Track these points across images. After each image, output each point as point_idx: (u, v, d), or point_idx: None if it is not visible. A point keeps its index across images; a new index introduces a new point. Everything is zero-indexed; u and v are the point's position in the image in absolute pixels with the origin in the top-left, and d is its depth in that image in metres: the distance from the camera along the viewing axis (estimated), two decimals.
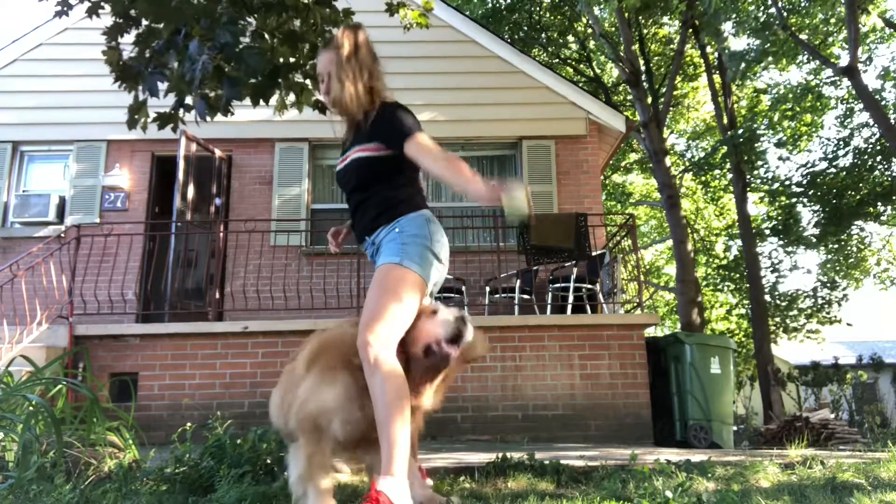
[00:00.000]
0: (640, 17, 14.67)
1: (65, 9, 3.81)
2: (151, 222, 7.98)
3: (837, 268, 16.57)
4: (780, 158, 20.12)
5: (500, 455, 3.17)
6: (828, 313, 15.70)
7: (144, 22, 3.72)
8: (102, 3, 3.78)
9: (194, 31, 3.35)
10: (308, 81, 4.42)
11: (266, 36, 4.08)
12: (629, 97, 15.82)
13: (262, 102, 4.26)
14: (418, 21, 4.79)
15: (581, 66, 17.36)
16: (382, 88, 2.41)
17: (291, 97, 4.45)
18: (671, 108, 16.37)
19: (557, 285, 7.11)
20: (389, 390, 2.00)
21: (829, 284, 16.22)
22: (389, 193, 2.32)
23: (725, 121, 14.60)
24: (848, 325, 15.81)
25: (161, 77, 3.58)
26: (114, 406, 3.69)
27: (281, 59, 4.14)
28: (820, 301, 16.00)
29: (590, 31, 16.08)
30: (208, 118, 4.02)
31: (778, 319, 15.98)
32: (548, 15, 16.37)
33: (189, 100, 3.89)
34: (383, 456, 1.99)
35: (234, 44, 3.23)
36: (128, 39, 3.83)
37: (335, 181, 2.67)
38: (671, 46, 15.96)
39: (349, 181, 2.42)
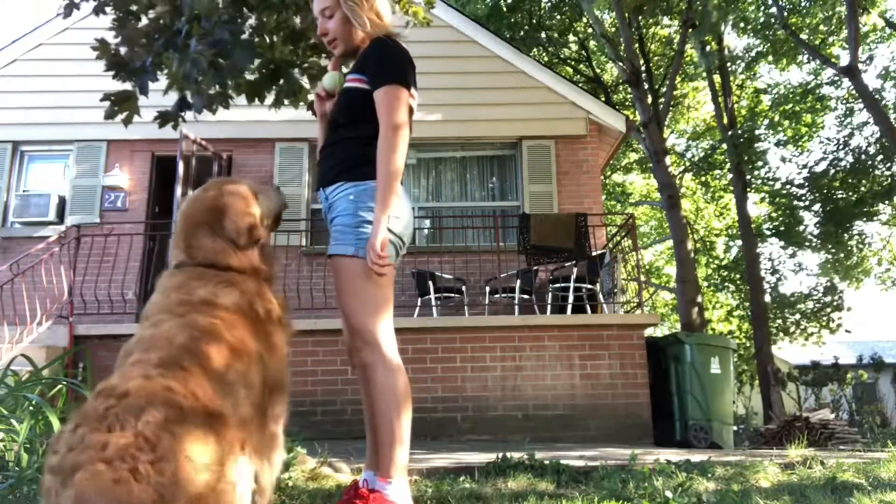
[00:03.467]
0: (640, 18, 14.66)
1: (71, 9, 3.81)
2: (151, 222, 7.98)
3: (838, 268, 16.57)
4: (781, 159, 20.11)
5: (500, 455, 3.17)
6: (830, 320, 15.68)
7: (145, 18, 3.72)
8: (108, 1, 3.78)
9: (194, 29, 3.34)
10: (305, 79, 4.42)
11: (265, 34, 4.07)
12: (629, 97, 15.82)
13: (258, 101, 4.26)
14: (420, 14, 4.78)
15: (581, 66, 17.35)
16: (384, 20, 2.16)
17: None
18: (671, 108, 16.36)
19: (557, 285, 7.11)
20: (399, 386, 1.95)
21: (829, 290, 16.19)
22: (359, 148, 2.05)
23: (725, 121, 14.60)
24: (847, 331, 15.80)
25: (153, 77, 3.56)
26: None
27: (278, 57, 4.13)
28: (820, 305, 15.99)
29: (590, 31, 16.09)
30: (208, 113, 4.03)
31: (779, 322, 15.97)
32: (548, 15, 16.37)
33: (189, 97, 3.88)
34: (384, 456, 1.93)
35: (232, 42, 3.22)
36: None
37: None
38: (671, 46, 15.95)
39: (337, 118, 2.16)
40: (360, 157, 2.03)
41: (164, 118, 3.94)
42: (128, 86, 3.70)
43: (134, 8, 3.66)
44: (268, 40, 4.10)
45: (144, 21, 3.77)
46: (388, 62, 2.05)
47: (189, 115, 4.10)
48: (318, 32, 2.22)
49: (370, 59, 2.08)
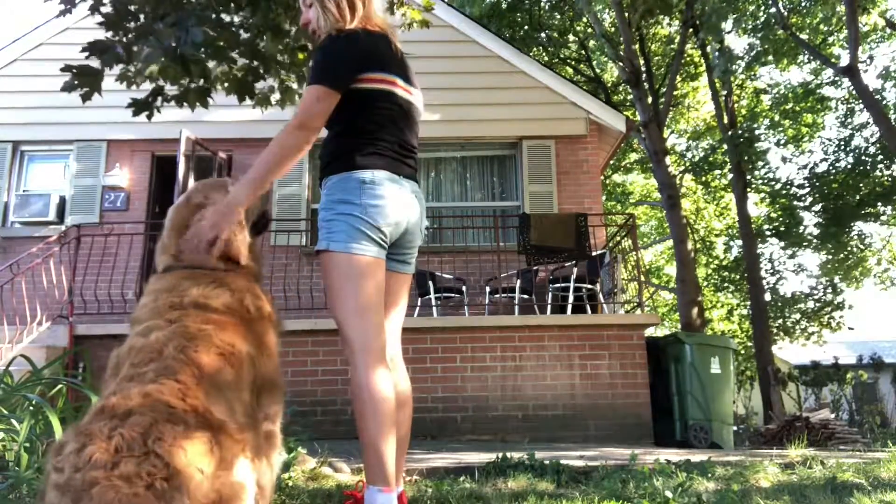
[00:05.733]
0: (641, 20, 14.66)
1: (68, 7, 3.79)
2: (151, 222, 7.97)
3: (838, 268, 16.57)
4: (783, 159, 20.11)
5: (500, 455, 3.17)
6: (830, 318, 15.67)
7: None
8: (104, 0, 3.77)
9: (173, 18, 3.34)
10: (293, 77, 4.42)
11: (252, 30, 4.07)
12: (629, 97, 15.82)
13: (248, 100, 4.26)
14: (418, 20, 4.79)
15: (581, 66, 17.35)
16: (345, 17, 2.04)
17: (277, 95, 4.45)
18: (671, 108, 16.36)
19: (557, 285, 7.10)
20: (360, 401, 1.86)
21: (830, 289, 16.18)
22: (330, 145, 2.05)
23: (726, 121, 14.61)
24: (850, 328, 15.81)
25: (120, 56, 3.54)
26: None
27: (266, 54, 4.13)
28: (821, 304, 15.99)
29: (590, 30, 16.09)
30: (208, 113, 4.03)
31: (780, 322, 15.98)
32: (548, 15, 16.37)
33: (169, 90, 3.86)
34: (363, 459, 1.90)
35: (203, 35, 3.20)
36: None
37: None
38: (671, 46, 15.96)
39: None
40: (329, 154, 2.02)
41: (138, 106, 3.90)
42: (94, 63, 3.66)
43: (132, 8, 3.65)
44: (255, 36, 4.09)
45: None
46: (315, 62, 2.01)
47: (188, 114, 4.09)
48: (301, 22, 2.19)
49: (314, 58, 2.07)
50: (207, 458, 1.20)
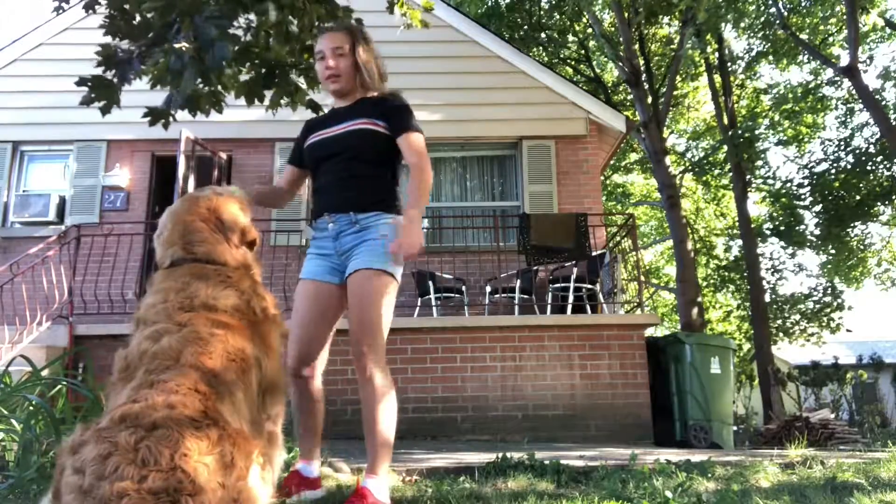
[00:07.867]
0: (644, 20, 14.66)
1: (62, 4, 3.78)
2: (151, 222, 7.97)
3: (838, 268, 16.56)
4: (786, 157, 20.05)
5: (500, 455, 3.17)
6: (829, 319, 15.65)
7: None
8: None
9: (185, 25, 3.32)
10: (302, 80, 4.40)
11: (261, 33, 4.05)
12: (629, 97, 15.81)
13: (257, 102, 4.24)
14: (417, 22, 4.79)
15: (581, 66, 17.34)
16: (385, 78, 2.50)
17: (285, 98, 4.43)
18: (671, 108, 16.35)
19: (557, 285, 7.11)
20: (390, 402, 2.21)
21: (829, 291, 16.17)
22: (390, 186, 2.39)
23: (726, 121, 14.60)
24: (848, 330, 15.80)
25: (135, 67, 3.52)
26: None
27: (274, 57, 4.12)
28: (821, 305, 15.98)
29: (590, 30, 16.08)
30: (208, 113, 4.01)
31: (779, 322, 15.97)
32: (548, 15, 16.36)
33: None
34: (371, 457, 2.16)
35: (219, 38, 3.18)
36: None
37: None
38: (671, 46, 15.95)
39: (345, 147, 2.36)
40: (391, 194, 2.38)
41: (154, 115, 3.88)
42: (109, 75, 3.62)
43: (127, 6, 3.63)
44: (263, 41, 4.08)
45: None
46: (410, 114, 2.39)
47: (188, 115, 4.08)
48: (325, 65, 2.41)
49: (393, 110, 2.37)
50: (227, 469, 1.23)
